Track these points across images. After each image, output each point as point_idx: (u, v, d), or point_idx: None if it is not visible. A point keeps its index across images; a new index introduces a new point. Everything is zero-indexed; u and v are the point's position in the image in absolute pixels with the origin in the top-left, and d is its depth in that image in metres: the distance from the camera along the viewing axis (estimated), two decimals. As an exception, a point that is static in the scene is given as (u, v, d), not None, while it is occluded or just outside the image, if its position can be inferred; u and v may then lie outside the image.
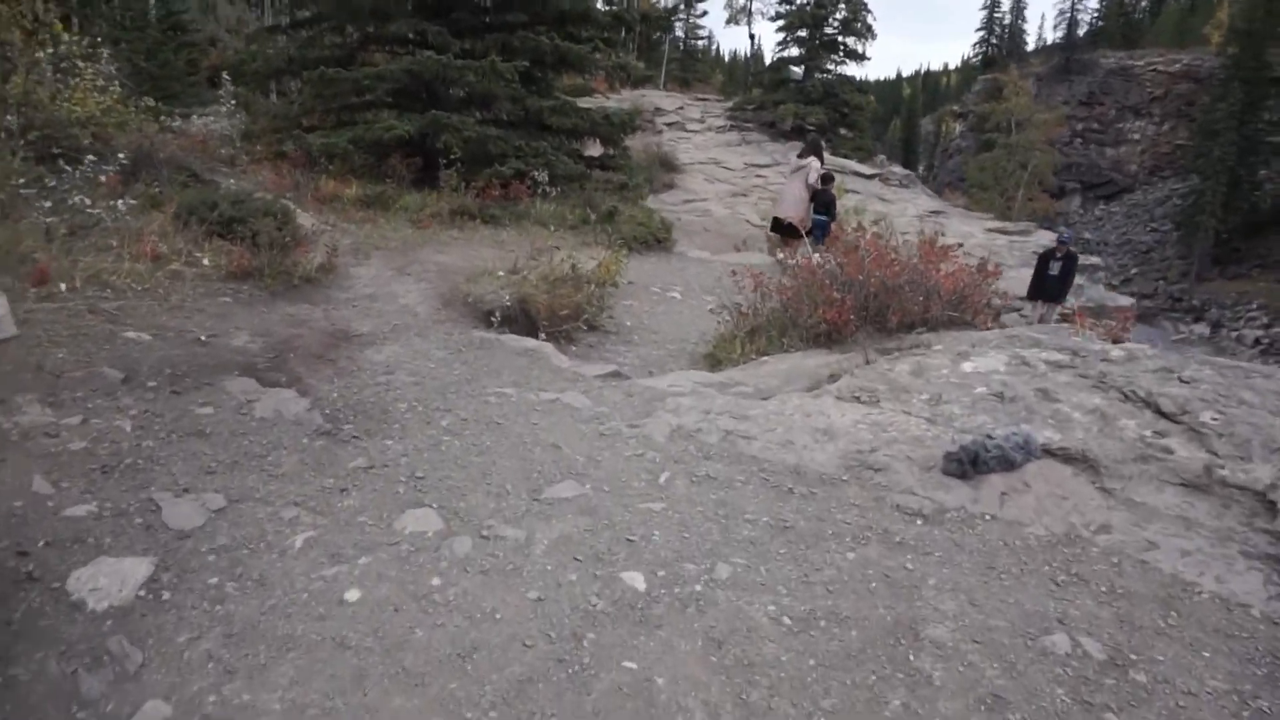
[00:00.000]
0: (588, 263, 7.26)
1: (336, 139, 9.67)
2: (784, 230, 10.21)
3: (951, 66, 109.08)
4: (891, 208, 17.34)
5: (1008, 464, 3.39)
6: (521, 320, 5.83)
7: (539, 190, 10.54)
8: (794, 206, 9.86)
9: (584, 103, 12.67)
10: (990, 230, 16.57)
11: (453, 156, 9.78)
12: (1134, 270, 42.99)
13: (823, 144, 11.38)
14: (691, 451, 3.72)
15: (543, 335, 5.76)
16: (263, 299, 5.40)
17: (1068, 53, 54.31)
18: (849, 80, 25.43)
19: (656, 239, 10.99)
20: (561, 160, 10.88)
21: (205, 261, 5.51)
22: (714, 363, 5.60)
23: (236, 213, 5.88)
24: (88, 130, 7.56)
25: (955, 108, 68.45)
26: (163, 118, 9.64)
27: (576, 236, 9.97)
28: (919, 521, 3.17)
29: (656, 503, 3.25)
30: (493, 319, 5.70)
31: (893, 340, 5.07)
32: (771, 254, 10.57)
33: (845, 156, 23.02)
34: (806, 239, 10.26)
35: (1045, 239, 15.50)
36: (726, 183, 19.49)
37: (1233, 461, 3.32)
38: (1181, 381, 3.86)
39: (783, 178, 10.85)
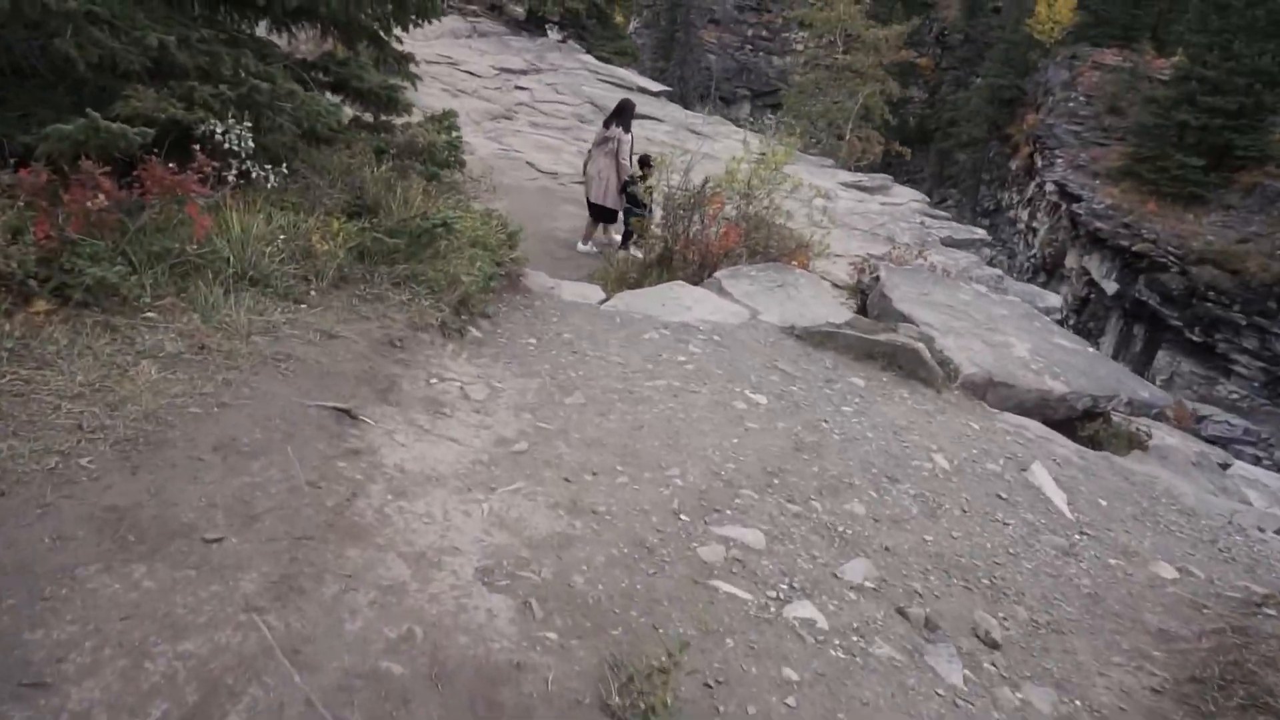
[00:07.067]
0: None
1: None
2: (595, 213, 8.21)
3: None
4: (715, 146, 13.12)
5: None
6: None
7: (233, 173, 4.07)
8: (605, 191, 7.91)
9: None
10: (847, 185, 13.24)
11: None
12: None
13: (634, 107, 8.62)
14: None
15: None
16: None
17: (741, -47, 53.66)
18: (604, -45, 19.67)
19: (499, 265, 5.35)
20: (284, 89, 4.41)
21: None
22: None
23: None
24: None
25: (633, -4, 65.20)
26: None
27: (358, 322, 3.96)
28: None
29: None
30: None
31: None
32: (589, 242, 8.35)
33: (607, 61, 17.98)
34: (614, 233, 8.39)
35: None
36: (479, 97, 13.27)
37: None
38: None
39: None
